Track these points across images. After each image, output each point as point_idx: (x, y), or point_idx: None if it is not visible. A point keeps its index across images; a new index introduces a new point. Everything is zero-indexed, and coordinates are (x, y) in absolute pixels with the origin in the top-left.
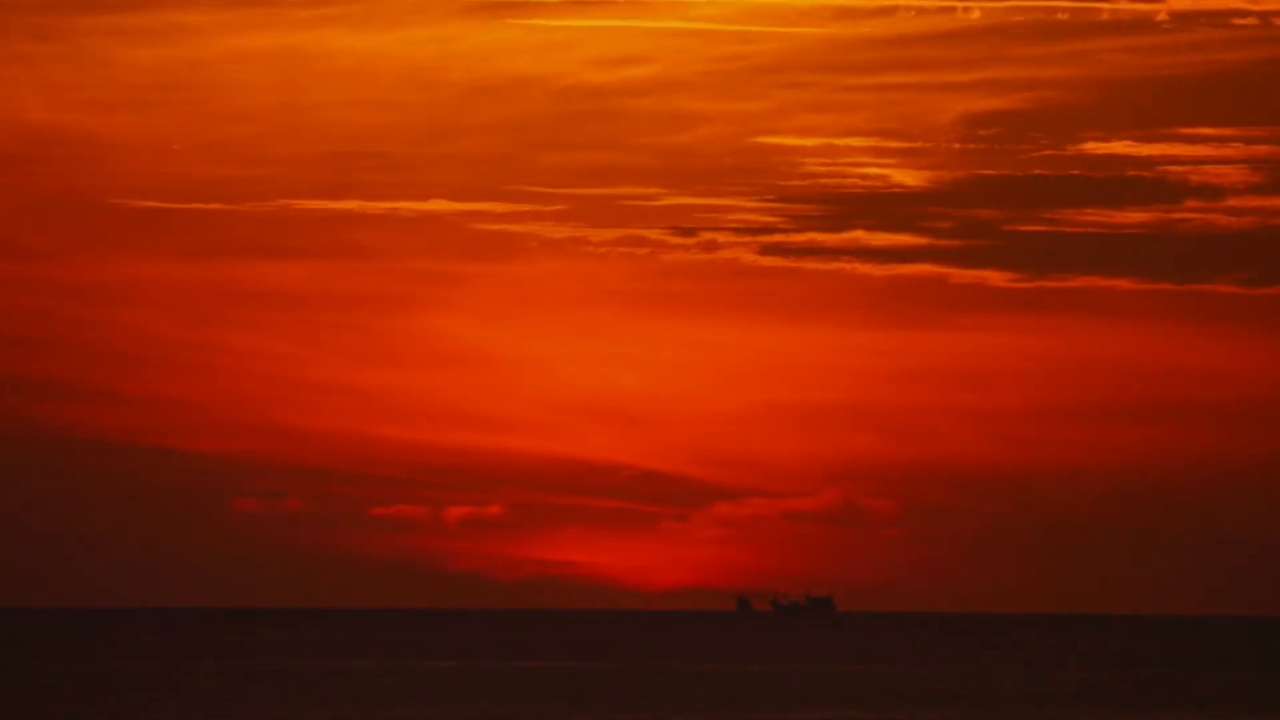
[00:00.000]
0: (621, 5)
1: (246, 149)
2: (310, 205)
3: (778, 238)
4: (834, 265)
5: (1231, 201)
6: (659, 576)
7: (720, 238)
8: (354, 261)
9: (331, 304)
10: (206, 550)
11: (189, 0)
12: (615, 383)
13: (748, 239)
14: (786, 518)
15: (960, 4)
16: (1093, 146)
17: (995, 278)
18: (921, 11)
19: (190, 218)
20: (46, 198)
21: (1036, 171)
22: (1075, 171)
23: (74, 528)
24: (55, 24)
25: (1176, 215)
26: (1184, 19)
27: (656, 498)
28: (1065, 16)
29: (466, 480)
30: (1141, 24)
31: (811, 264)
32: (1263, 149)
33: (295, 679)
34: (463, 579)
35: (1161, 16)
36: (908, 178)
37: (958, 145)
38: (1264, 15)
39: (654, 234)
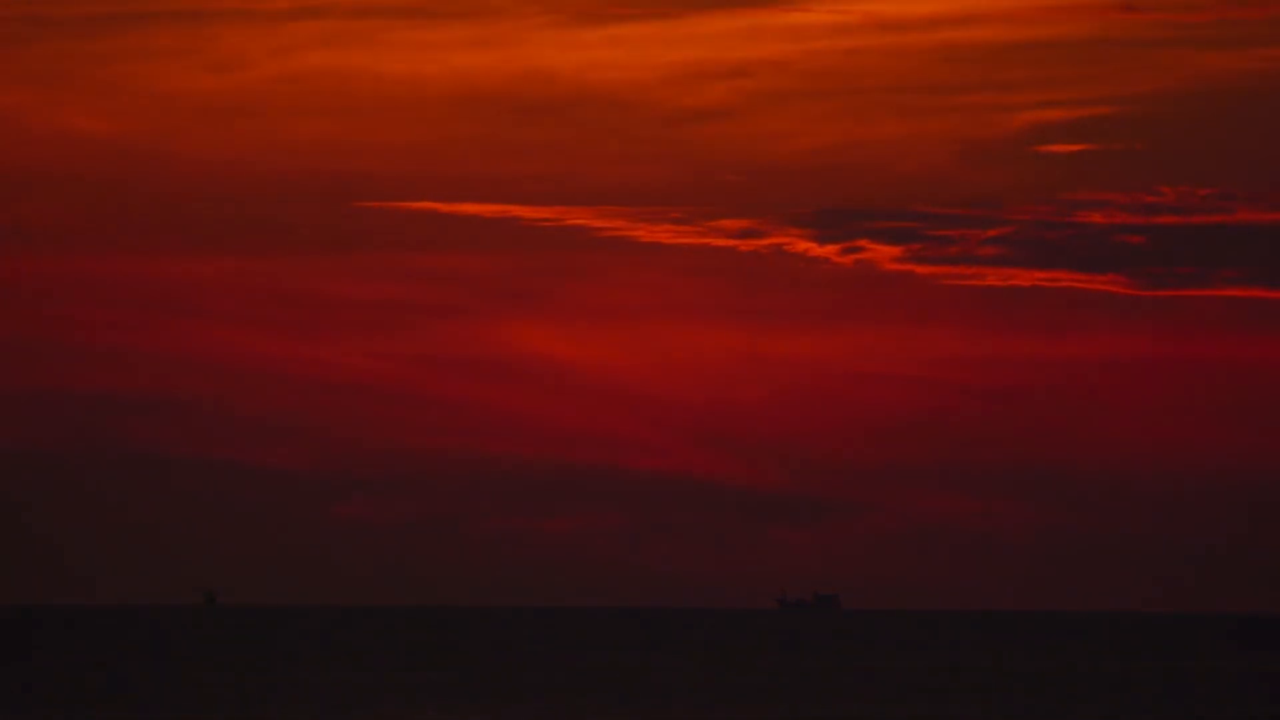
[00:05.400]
0: (694, 19)
1: (319, 161)
2: (386, 207)
3: (887, 249)
4: (948, 272)
5: None
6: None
7: (830, 248)
8: (459, 271)
9: (428, 316)
10: (311, 555)
11: (243, 18)
12: (731, 396)
13: (871, 247)
14: (914, 528)
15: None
16: (1206, 153)
17: (1118, 284)
18: (1016, 20)
19: (266, 228)
20: (121, 211)
21: (1160, 186)
22: (1192, 180)
23: (172, 540)
24: (109, 44)
25: None
26: None
27: (775, 511)
28: (1189, 30)
29: (575, 494)
30: None
31: (925, 272)
32: None
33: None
34: (571, 582)
35: None
36: (1016, 186)
37: (1066, 154)
38: None
39: (745, 245)
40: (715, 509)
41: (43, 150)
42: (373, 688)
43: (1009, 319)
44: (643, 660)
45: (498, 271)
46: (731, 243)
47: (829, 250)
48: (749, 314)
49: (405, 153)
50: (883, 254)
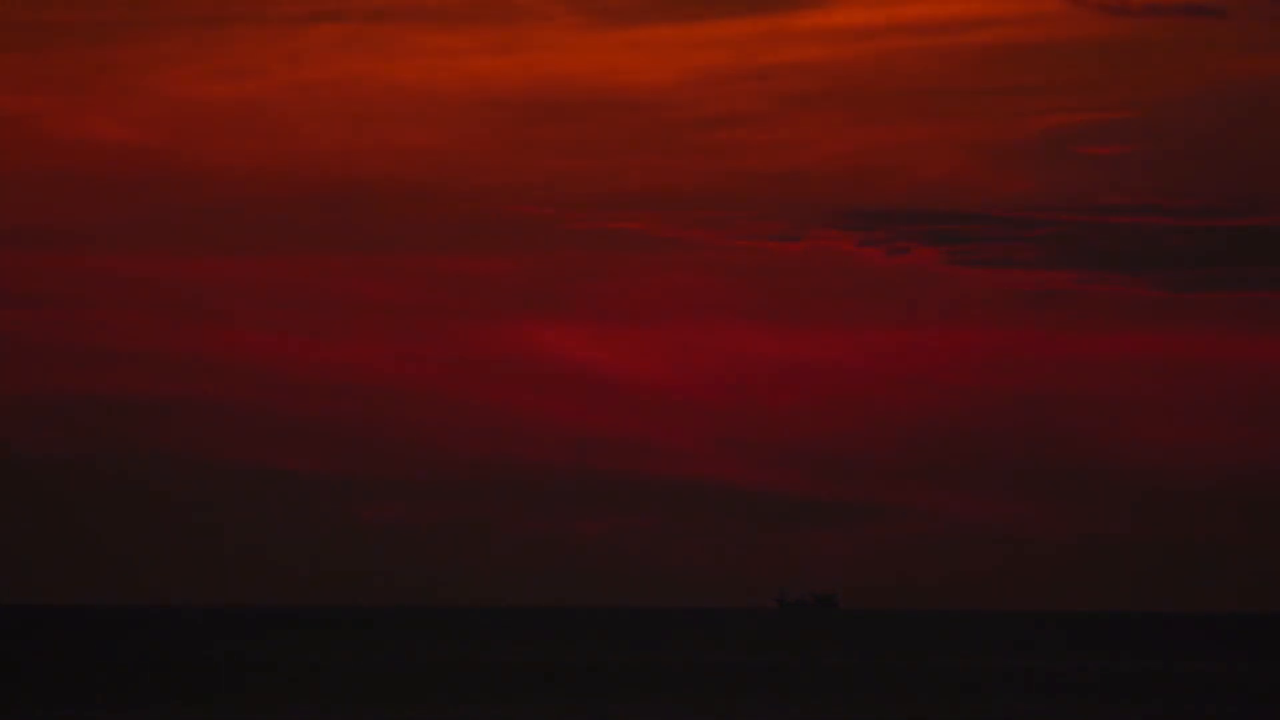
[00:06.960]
0: (715, 23)
1: (340, 164)
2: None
3: (926, 250)
4: (985, 274)
5: None
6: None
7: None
8: (488, 274)
9: (457, 319)
10: (340, 558)
11: (258, 23)
12: (765, 401)
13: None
14: (944, 531)
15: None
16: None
17: (1155, 286)
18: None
19: (291, 231)
20: (141, 215)
21: (1197, 188)
22: (1229, 181)
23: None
24: (126, 50)
25: None
26: None
27: (803, 516)
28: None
29: (606, 497)
30: None
31: (962, 274)
32: None
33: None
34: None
35: None
36: (1052, 188)
37: (1102, 155)
38: None
39: (785, 247)
40: (740, 512)
41: (62, 155)
42: (390, 686)
43: (1045, 321)
44: (645, 660)
45: (527, 274)
46: (770, 244)
47: (869, 253)
48: (784, 317)
49: (427, 156)
50: (923, 256)
